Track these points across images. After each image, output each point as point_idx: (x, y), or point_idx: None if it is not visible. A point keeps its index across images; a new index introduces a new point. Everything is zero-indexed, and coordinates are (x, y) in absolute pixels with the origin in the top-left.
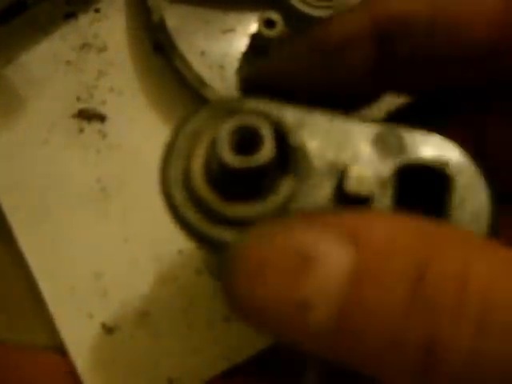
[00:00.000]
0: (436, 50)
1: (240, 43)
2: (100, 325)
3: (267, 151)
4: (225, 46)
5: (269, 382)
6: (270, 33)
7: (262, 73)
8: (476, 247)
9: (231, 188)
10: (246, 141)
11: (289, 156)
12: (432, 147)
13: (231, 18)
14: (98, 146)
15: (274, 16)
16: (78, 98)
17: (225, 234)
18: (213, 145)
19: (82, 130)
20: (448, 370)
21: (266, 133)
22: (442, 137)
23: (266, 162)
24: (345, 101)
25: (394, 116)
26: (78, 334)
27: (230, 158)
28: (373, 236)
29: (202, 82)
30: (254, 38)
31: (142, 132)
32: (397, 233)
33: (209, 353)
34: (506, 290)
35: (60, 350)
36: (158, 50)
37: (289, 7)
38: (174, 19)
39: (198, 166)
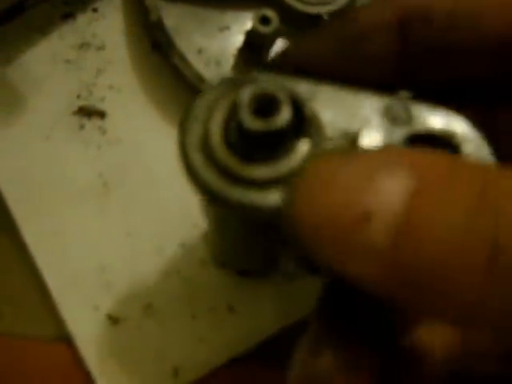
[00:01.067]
0: (456, 42)
1: (236, 40)
2: (106, 316)
3: (285, 114)
4: (221, 43)
5: (273, 370)
6: (265, 29)
7: (289, 56)
8: None
9: (249, 151)
10: (264, 106)
11: (303, 123)
12: (439, 118)
13: (227, 16)
14: (99, 142)
15: (269, 13)
16: (78, 96)
17: (241, 195)
18: (232, 109)
19: (82, 127)
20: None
21: (284, 97)
22: (448, 109)
23: (284, 125)
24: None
25: None
26: (85, 326)
27: (250, 121)
28: (435, 164)
29: (200, 79)
30: (250, 34)
31: (141, 127)
32: (457, 163)
33: (213, 342)
34: None
35: (66, 340)
36: (157, 49)
37: (283, 4)
38: (172, 18)
39: (216, 129)
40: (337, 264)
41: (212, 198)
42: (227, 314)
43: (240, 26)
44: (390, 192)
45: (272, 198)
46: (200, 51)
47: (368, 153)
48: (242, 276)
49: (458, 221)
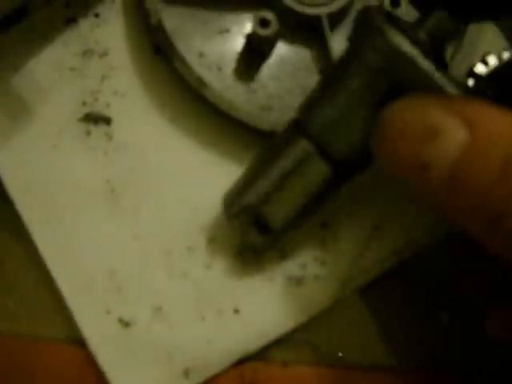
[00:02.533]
0: None
1: (237, 43)
2: (117, 319)
3: None
4: (222, 47)
5: (283, 370)
6: (265, 32)
7: None
8: None
9: None
10: None
11: None
12: None
13: (227, 19)
14: (106, 148)
15: (268, 15)
16: (84, 103)
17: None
18: None
19: (89, 133)
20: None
21: None
22: None
23: None
24: None
25: None
26: (97, 329)
27: None
28: (484, 125)
29: (201, 83)
30: (250, 37)
31: (146, 132)
32: (502, 127)
33: (222, 344)
34: None
35: (78, 341)
36: (159, 52)
37: (282, 7)
38: (172, 21)
39: None
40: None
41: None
42: (233, 316)
43: (240, 29)
44: (446, 147)
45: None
46: (201, 55)
47: (436, 104)
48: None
49: (484, 186)
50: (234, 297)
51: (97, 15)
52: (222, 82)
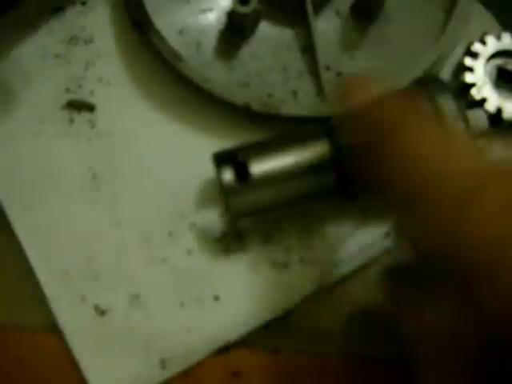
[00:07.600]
0: None
1: (218, 22)
2: (93, 307)
3: None
4: (203, 25)
5: (261, 359)
6: (244, 9)
7: None
8: None
9: None
10: None
11: None
12: None
13: None
14: (88, 135)
15: None
16: (68, 90)
17: None
18: None
19: (72, 121)
20: None
21: None
22: None
23: None
24: None
25: None
26: (72, 317)
27: None
28: None
29: (178, 58)
30: (230, 15)
31: (129, 120)
32: None
33: (200, 332)
34: None
35: (57, 330)
36: (137, 28)
37: None
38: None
39: None
40: None
41: None
42: (213, 304)
43: (223, 8)
44: None
45: None
46: (181, 32)
47: None
48: None
49: None
50: (215, 283)
51: (84, 3)
52: (201, 58)
